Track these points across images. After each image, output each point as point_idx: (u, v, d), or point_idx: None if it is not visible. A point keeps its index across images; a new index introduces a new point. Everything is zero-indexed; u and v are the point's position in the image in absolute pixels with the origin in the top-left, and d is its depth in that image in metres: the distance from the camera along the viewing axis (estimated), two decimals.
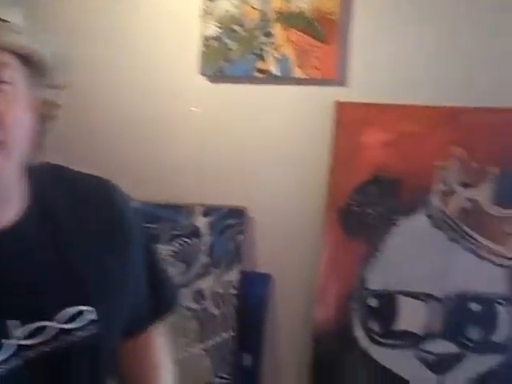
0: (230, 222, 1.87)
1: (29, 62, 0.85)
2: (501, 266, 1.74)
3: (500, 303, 1.74)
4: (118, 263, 0.97)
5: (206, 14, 1.86)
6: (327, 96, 1.80)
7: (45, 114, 0.89)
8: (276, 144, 1.87)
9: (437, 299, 1.75)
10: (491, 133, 1.73)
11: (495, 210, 1.75)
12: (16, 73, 0.84)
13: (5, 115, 0.81)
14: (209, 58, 1.85)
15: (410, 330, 1.76)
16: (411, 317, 1.76)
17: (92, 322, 0.92)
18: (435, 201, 1.76)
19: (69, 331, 0.90)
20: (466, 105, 1.73)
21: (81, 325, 0.91)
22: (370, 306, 1.78)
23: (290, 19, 1.79)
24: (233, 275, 1.87)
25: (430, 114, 1.76)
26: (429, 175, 1.76)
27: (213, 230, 1.88)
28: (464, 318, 1.74)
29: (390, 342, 1.78)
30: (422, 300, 1.76)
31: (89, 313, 0.92)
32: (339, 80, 1.81)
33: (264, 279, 1.88)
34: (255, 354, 1.87)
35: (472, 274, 1.75)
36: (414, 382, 1.77)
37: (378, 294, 1.79)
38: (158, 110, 1.94)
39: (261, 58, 1.83)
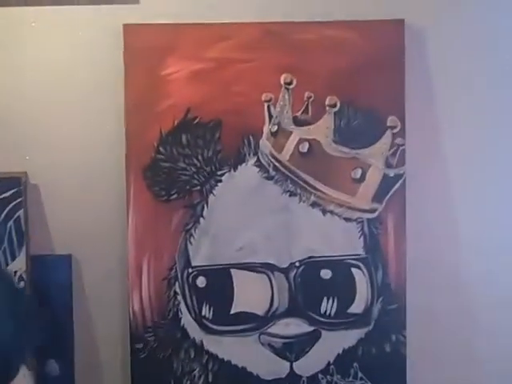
0: (5, 194, 1.62)
1: None
2: (351, 220, 1.59)
3: (355, 266, 1.60)
4: None
5: None
6: (115, 18, 1.56)
7: None
8: (56, 85, 1.61)
9: (279, 269, 1.58)
10: (328, 54, 1.55)
11: (339, 151, 1.57)
12: None
13: None
14: None
15: (250, 311, 1.59)
16: (251, 295, 1.59)
17: None
18: (265, 145, 1.57)
19: None
20: (294, 20, 1.55)
21: None
22: (197, 287, 1.58)
23: None
24: (19, 263, 1.63)
25: (248, 33, 1.54)
26: (254, 113, 1.56)
27: None
28: (314, 289, 1.59)
29: (227, 328, 1.59)
30: (261, 272, 1.59)
31: None
32: None
33: (62, 262, 1.66)
34: (63, 360, 1.67)
35: (318, 234, 1.59)
36: (262, 374, 1.61)
37: (205, 271, 1.58)
38: None
39: None
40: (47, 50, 1.61)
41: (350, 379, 1.62)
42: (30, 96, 1.63)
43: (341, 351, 1.62)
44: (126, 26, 1.54)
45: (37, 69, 1.61)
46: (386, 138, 1.57)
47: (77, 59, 1.61)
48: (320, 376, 1.62)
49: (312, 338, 1.61)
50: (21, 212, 1.64)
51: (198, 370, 1.62)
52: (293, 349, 1.61)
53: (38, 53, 1.61)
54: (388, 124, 1.56)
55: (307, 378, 1.61)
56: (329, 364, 1.61)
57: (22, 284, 1.66)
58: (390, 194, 1.58)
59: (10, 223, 1.65)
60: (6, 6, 1.58)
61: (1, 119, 1.62)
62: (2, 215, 1.64)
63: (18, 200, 1.64)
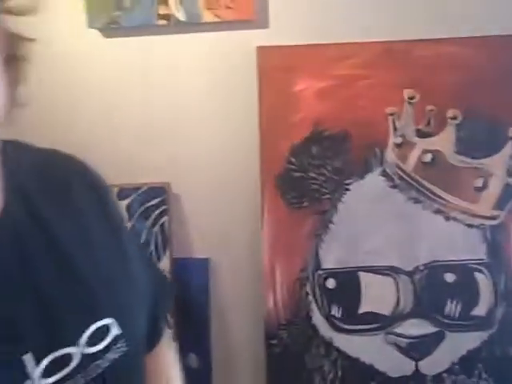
0: (152, 202, 1.95)
1: None
2: (474, 226, 1.84)
3: (478, 270, 1.86)
4: (116, 255, 0.97)
5: None
6: (247, 41, 1.86)
7: (13, 53, 0.81)
8: (194, 105, 1.92)
9: (404, 272, 1.86)
10: (448, 69, 1.79)
11: (461, 161, 1.82)
12: None
13: None
14: (96, 6, 1.91)
15: (377, 311, 1.87)
16: (377, 296, 1.87)
17: (117, 338, 0.90)
18: (390, 156, 1.85)
19: (96, 355, 0.87)
20: (414, 37, 1.79)
21: (106, 344, 0.88)
22: (327, 288, 1.88)
23: None
24: (163, 265, 1.94)
25: (373, 51, 1.81)
26: (379, 126, 1.82)
27: (132, 215, 1.95)
28: (438, 291, 1.85)
29: (355, 327, 1.89)
30: (387, 275, 1.87)
31: (111, 326, 0.89)
32: (258, 21, 1.87)
33: (201, 265, 1.99)
34: (201, 354, 1.98)
35: (442, 239, 1.85)
36: (389, 372, 1.91)
37: (335, 274, 1.88)
38: (49, 76, 1.94)
39: (161, 1, 1.85)
40: (189, 73, 1.93)
41: (475, 379, 1.89)
42: (171, 112, 1.93)
43: (465, 352, 1.88)
44: (259, 48, 1.81)
45: (178, 88, 1.93)
46: (508, 149, 1.80)
47: (214, 80, 1.90)
48: (444, 375, 1.89)
49: (436, 339, 1.87)
50: (165, 218, 2.01)
51: (327, 365, 1.93)
52: (418, 348, 1.86)
53: (173, 80, 1.92)
54: (510, 135, 1.79)
55: (432, 376, 1.90)
56: (453, 364, 1.89)
57: None
58: (511, 202, 1.82)
59: (156, 229, 1.99)
60: (132, 35, 1.93)
61: (149, 137, 1.95)
62: (149, 221, 2.01)
63: (163, 208, 2.01)
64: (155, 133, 1.94)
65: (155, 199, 1.97)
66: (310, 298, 1.89)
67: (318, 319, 1.90)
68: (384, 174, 1.84)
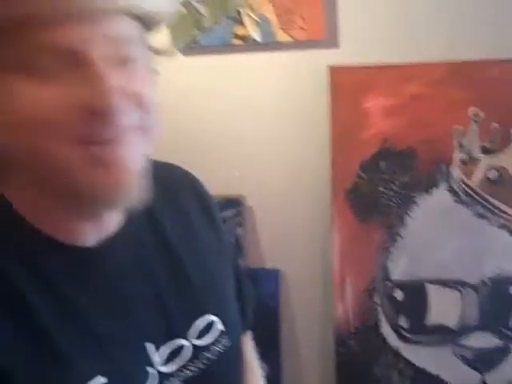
0: (226, 213, 2.04)
1: (145, 24, 0.87)
2: None
3: None
4: (219, 257, 1.08)
5: None
6: (318, 61, 1.95)
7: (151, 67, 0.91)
8: (267, 121, 2.02)
9: (470, 286, 1.91)
10: (510, 88, 1.85)
11: None
12: (141, 43, 0.86)
13: (145, 95, 0.84)
14: (178, 27, 2.07)
15: (443, 323, 1.94)
16: (444, 308, 1.93)
17: (222, 333, 1.01)
18: (456, 172, 1.92)
19: (204, 349, 0.98)
20: (479, 58, 1.87)
21: (213, 339, 1.00)
22: (395, 299, 1.96)
23: None
24: None
25: (439, 71, 1.88)
26: (446, 143, 1.90)
27: None
28: (504, 305, 1.91)
29: (422, 338, 1.96)
30: (453, 288, 1.93)
31: (215, 323, 1.00)
32: (330, 41, 1.95)
33: (272, 275, 2.07)
34: (273, 363, 2.02)
35: (507, 254, 1.91)
36: (455, 383, 1.99)
37: (403, 285, 1.96)
38: None
39: (238, 22, 2.03)
40: (263, 90, 2.03)
41: None
42: (246, 128, 2.06)
43: None
44: (330, 68, 1.92)
45: (253, 105, 2.05)
46: None
47: (287, 97, 2.00)
48: None
49: (502, 352, 1.92)
50: (240, 230, 2.13)
51: (395, 375, 2.02)
52: (484, 361, 1.91)
53: (248, 97, 2.05)
54: None
55: None
56: None
57: None
58: None
59: (231, 239, 2.11)
60: (210, 54, 2.07)
61: (226, 153, 2.08)
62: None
63: (238, 219, 2.12)
64: (232, 149, 2.06)
65: (230, 210, 2.06)
66: (379, 308, 1.97)
67: (386, 329, 1.98)
68: (450, 189, 1.91)
